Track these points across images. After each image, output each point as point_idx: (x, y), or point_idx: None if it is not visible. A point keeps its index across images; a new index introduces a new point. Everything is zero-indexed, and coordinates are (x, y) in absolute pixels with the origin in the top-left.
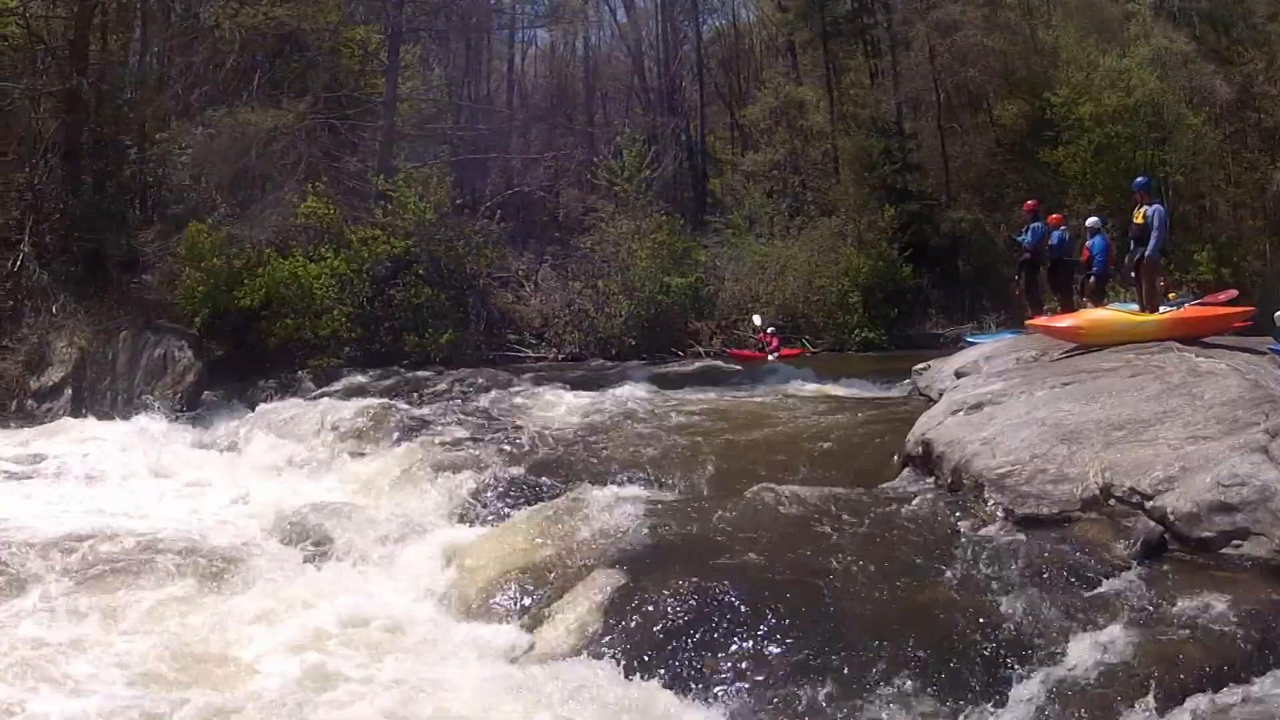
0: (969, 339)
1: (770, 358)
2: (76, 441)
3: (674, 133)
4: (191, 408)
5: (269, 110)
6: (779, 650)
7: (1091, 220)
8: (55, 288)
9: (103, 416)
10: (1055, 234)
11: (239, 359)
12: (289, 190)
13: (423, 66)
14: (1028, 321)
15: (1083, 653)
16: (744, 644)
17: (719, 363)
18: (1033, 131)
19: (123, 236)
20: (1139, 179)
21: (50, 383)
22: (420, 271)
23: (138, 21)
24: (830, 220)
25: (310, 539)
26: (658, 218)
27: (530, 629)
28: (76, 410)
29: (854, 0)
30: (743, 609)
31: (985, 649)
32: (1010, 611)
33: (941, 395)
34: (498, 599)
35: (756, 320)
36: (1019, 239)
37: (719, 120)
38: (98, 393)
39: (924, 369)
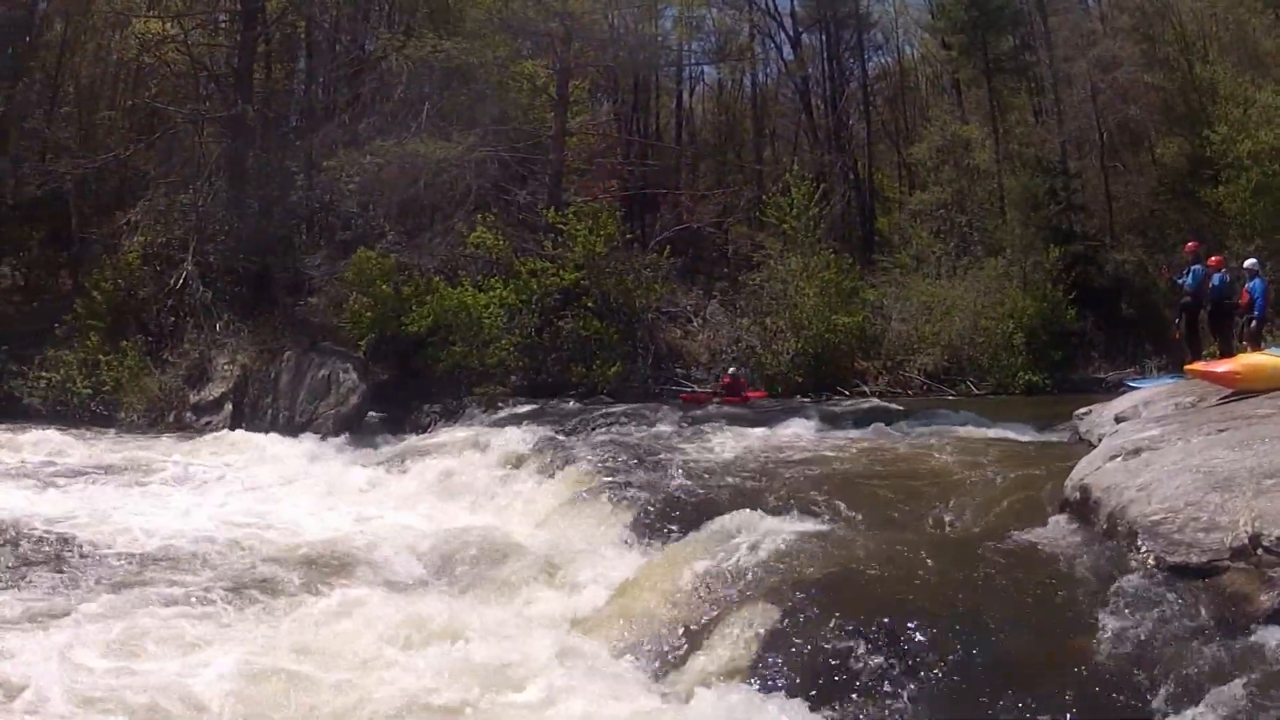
0: (1130, 383)
1: (713, 403)
2: (235, 455)
3: (841, 170)
4: (354, 429)
5: (438, 142)
6: (928, 689)
7: (1249, 262)
8: (219, 306)
9: (263, 433)
10: (1216, 276)
11: (404, 384)
12: (458, 220)
13: (591, 101)
14: (1187, 367)
15: (1224, 704)
16: (893, 682)
17: (884, 403)
18: (1193, 170)
19: (289, 259)
20: None
21: (210, 397)
22: (589, 304)
23: (302, 52)
24: (996, 261)
25: (467, 562)
26: (826, 255)
27: (683, 658)
28: (235, 425)
29: (1016, 37)
30: (894, 647)
31: (1129, 697)
32: (1156, 661)
33: (1101, 440)
34: (652, 628)
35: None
36: (1180, 281)
37: (886, 158)
38: (259, 409)
39: (1085, 413)
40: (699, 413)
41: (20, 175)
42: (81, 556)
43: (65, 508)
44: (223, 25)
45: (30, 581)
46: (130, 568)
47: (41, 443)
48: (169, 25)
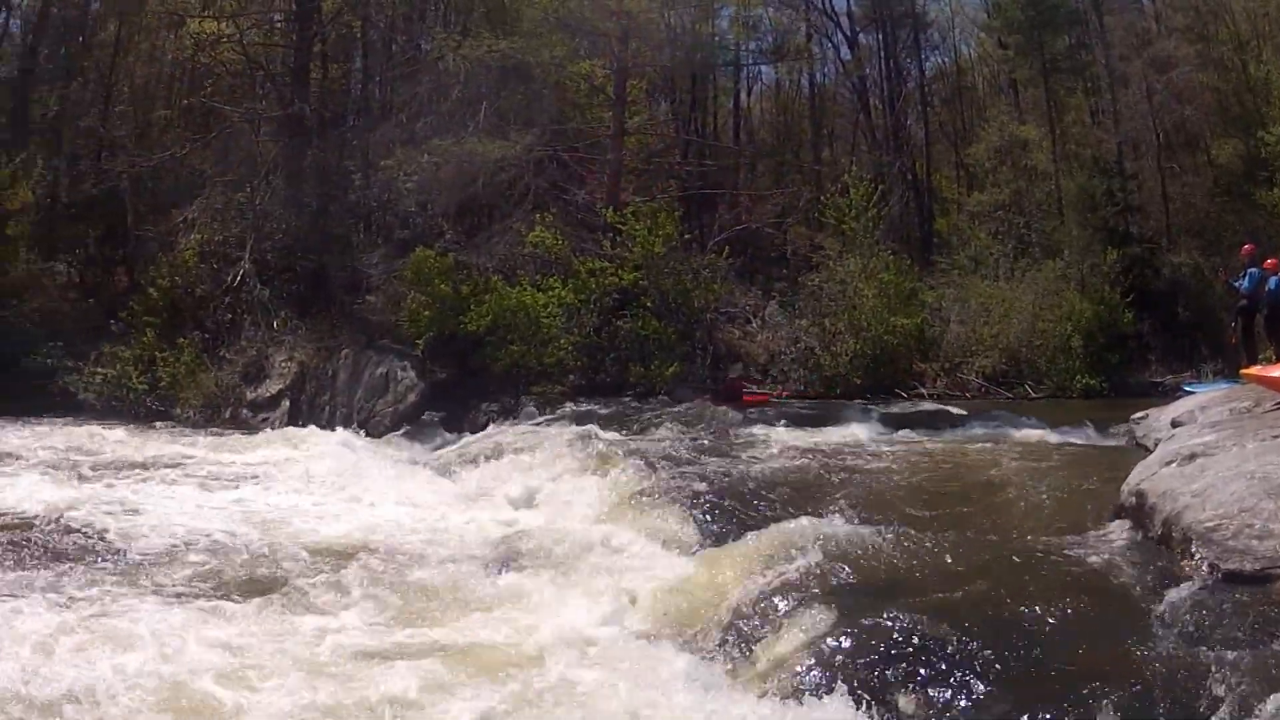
0: (1187, 388)
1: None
2: (293, 450)
3: (900, 171)
4: (411, 427)
5: (496, 141)
6: (982, 692)
7: None
8: (276, 304)
9: (321, 429)
10: (1273, 280)
11: (461, 382)
12: (517, 220)
13: (649, 101)
14: (1242, 371)
15: (1277, 714)
16: (946, 685)
17: (943, 405)
18: (1249, 172)
19: (346, 258)
20: None
21: (267, 394)
22: (648, 304)
23: (359, 51)
24: (1054, 263)
25: (522, 560)
26: (885, 257)
27: (739, 658)
28: (293, 421)
29: (1072, 36)
30: (949, 650)
31: (1181, 704)
32: (1208, 668)
33: (1157, 445)
34: (708, 628)
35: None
36: (1236, 284)
37: (944, 159)
38: (316, 407)
39: (1141, 418)
40: (754, 413)
41: (76, 174)
42: (111, 550)
43: (104, 500)
44: (278, 25)
45: (54, 572)
46: (166, 562)
47: (88, 436)
48: (224, 25)
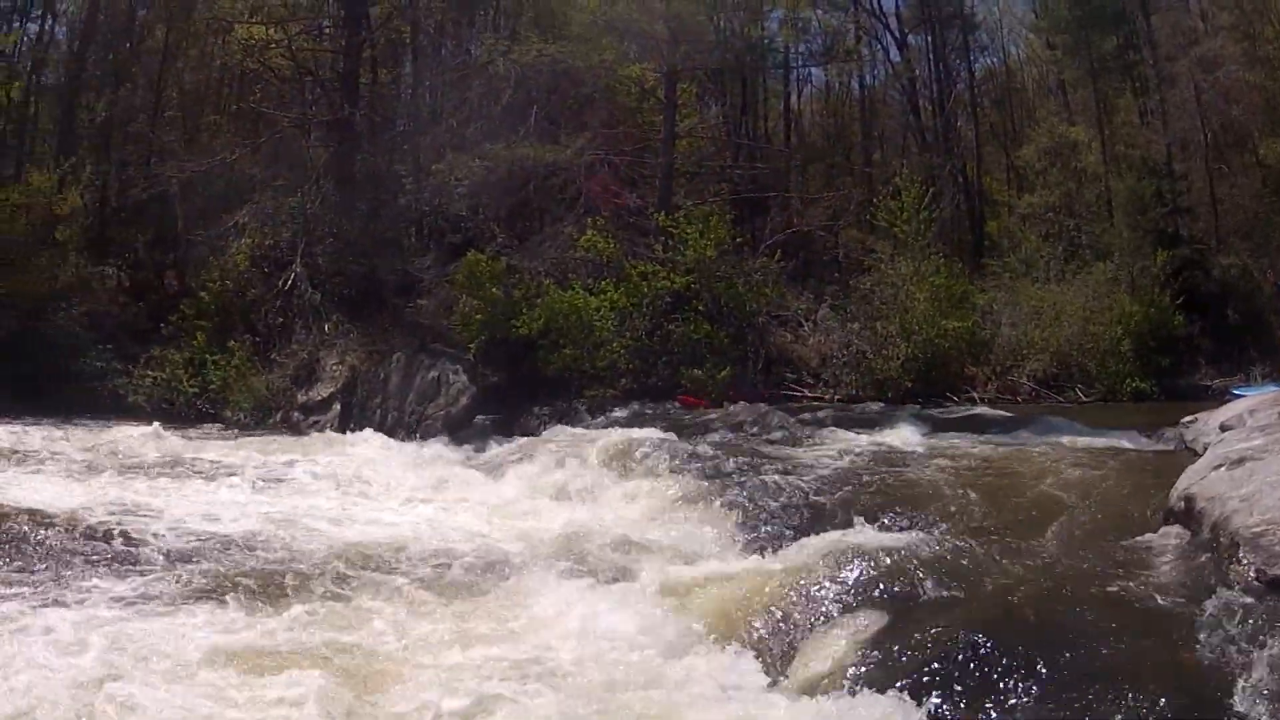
0: (1236, 391)
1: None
2: (345, 453)
3: (950, 173)
4: (463, 430)
5: (547, 145)
6: (1027, 698)
7: None
8: (327, 307)
9: (372, 432)
10: None
11: (513, 386)
12: (568, 224)
13: (700, 104)
14: None
15: None
16: (992, 690)
17: (994, 409)
18: None
19: (398, 262)
20: None
21: (319, 397)
22: (700, 307)
23: (408, 57)
24: (1104, 265)
25: (572, 563)
26: (936, 260)
27: (786, 662)
28: (344, 425)
29: (1120, 35)
30: (994, 655)
31: (1224, 709)
32: (1252, 675)
33: (1206, 449)
34: (753, 633)
35: None
36: None
37: (995, 161)
38: (367, 410)
39: (1190, 421)
40: (807, 417)
41: (125, 179)
42: (139, 547)
43: (152, 501)
44: (327, 30)
45: (104, 575)
46: (215, 565)
47: (137, 438)
48: (272, 31)
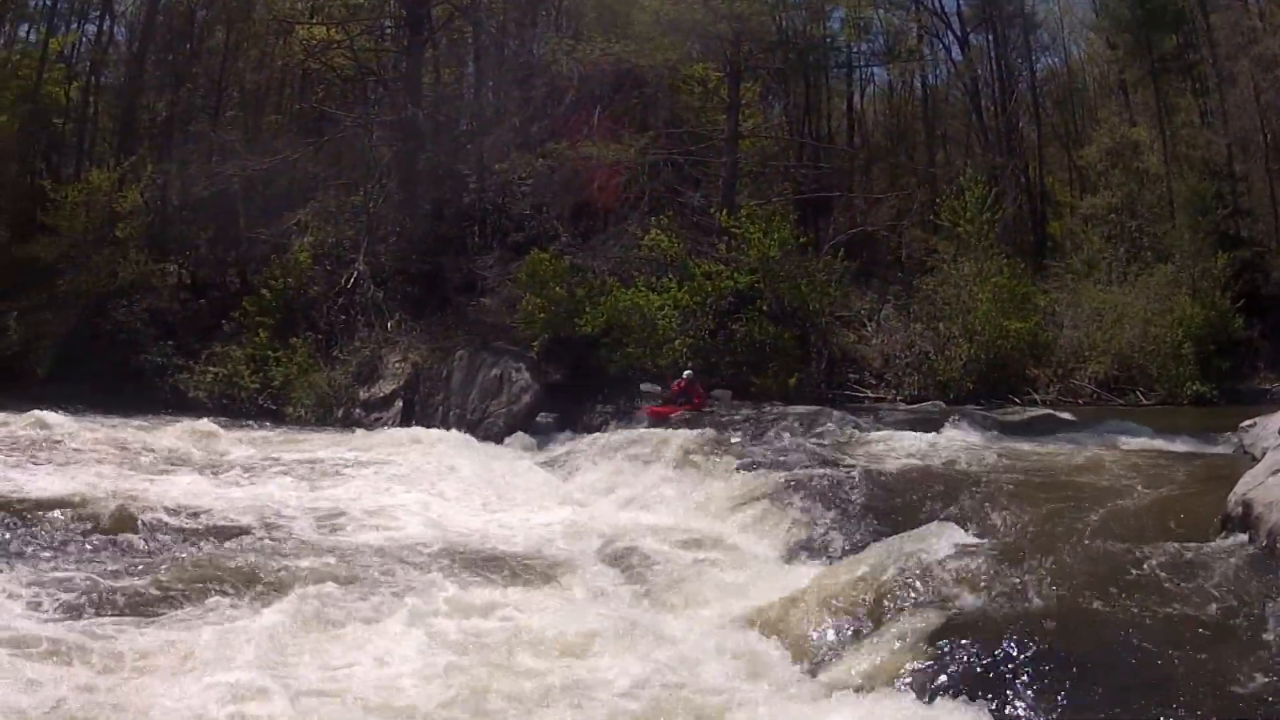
0: None
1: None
2: (407, 450)
3: (1013, 173)
4: (526, 427)
5: (610, 144)
6: (1083, 702)
7: None
8: (390, 305)
9: (434, 430)
10: None
11: (576, 384)
12: (632, 223)
13: (763, 104)
14: None
15: None
16: (1049, 694)
17: (1055, 411)
18: None
19: (461, 261)
20: None
21: (380, 394)
22: (763, 307)
23: (470, 56)
24: (1165, 267)
25: (634, 562)
26: (999, 260)
27: (846, 662)
28: (406, 422)
29: (1180, 35)
30: (1051, 659)
31: None
32: None
33: (1264, 454)
34: (818, 631)
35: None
36: None
37: (1057, 161)
38: (429, 407)
39: (1250, 425)
40: (869, 418)
41: (187, 177)
42: (228, 544)
43: (216, 495)
44: (389, 31)
45: (167, 569)
46: (287, 558)
47: (198, 433)
48: (333, 31)
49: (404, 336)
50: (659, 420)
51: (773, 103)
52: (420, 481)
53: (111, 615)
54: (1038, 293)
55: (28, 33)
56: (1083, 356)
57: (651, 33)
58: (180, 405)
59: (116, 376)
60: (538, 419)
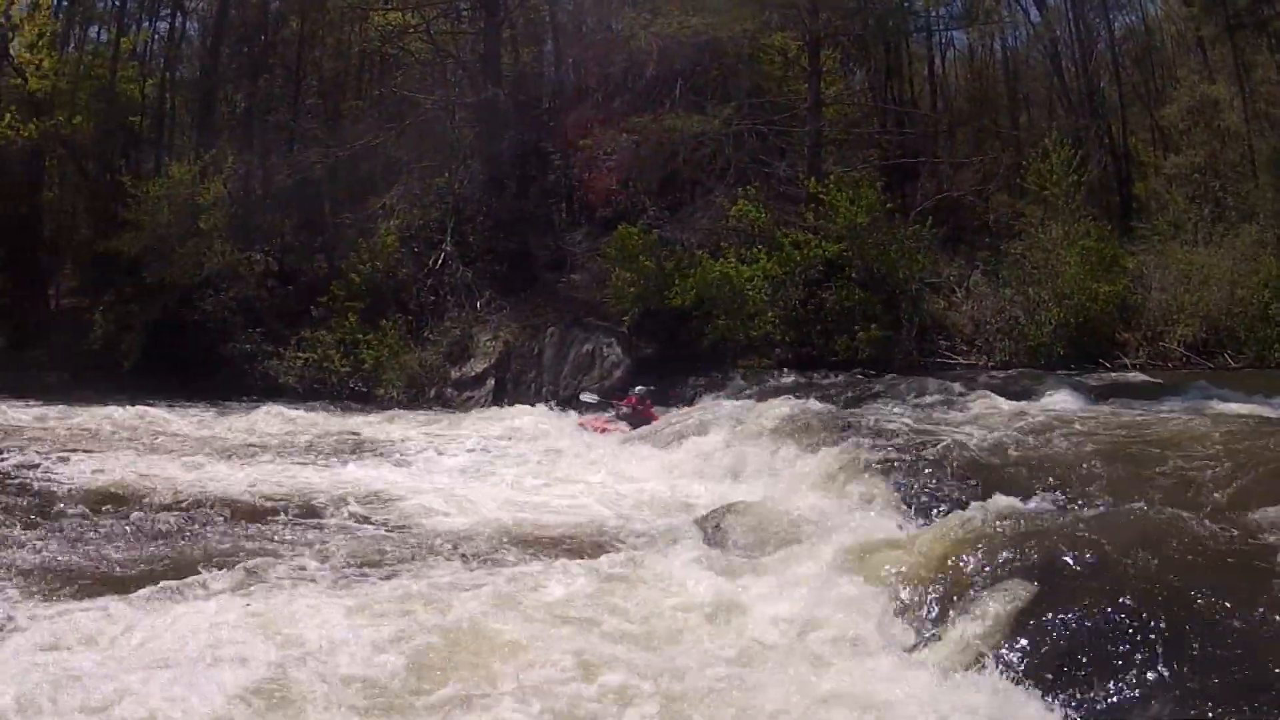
0: None
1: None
2: (502, 428)
3: (1096, 135)
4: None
5: (693, 116)
6: (1169, 680)
7: None
8: (479, 285)
9: (527, 407)
10: None
11: (668, 357)
12: (718, 194)
13: (844, 71)
14: None
15: None
16: (1135, 669)
17: (1144, 375)
18: None
19: (549, 238)
20: None
21: (472, 373)
22: (852, 275)
23: (548, 34)
24: (1250, 227)
25: (730, 535)
26: (1086, 223)
27: (936, 636)
28: (498, 400)
29: None
30: (1138, 633)
31: None
32: None
33: None
34: (909, 603)
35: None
36: None
37: (1139, 121)
38: (521, 385)
39: None
40: (961, 385)
41: (269, 166)
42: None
43: (328, 479)
44: (465, 13)
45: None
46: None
47: (293, 419)
48: (409, 16)
49: (494, 315)
50: (599, 431)
51: (854, 69)
52: (522, 459)
53: None
54: (1125, 255)
55: (98, 33)
56: (1171, 319)
57: (729, 4)
58: (271, 391)
59: (205, 365)
60: None
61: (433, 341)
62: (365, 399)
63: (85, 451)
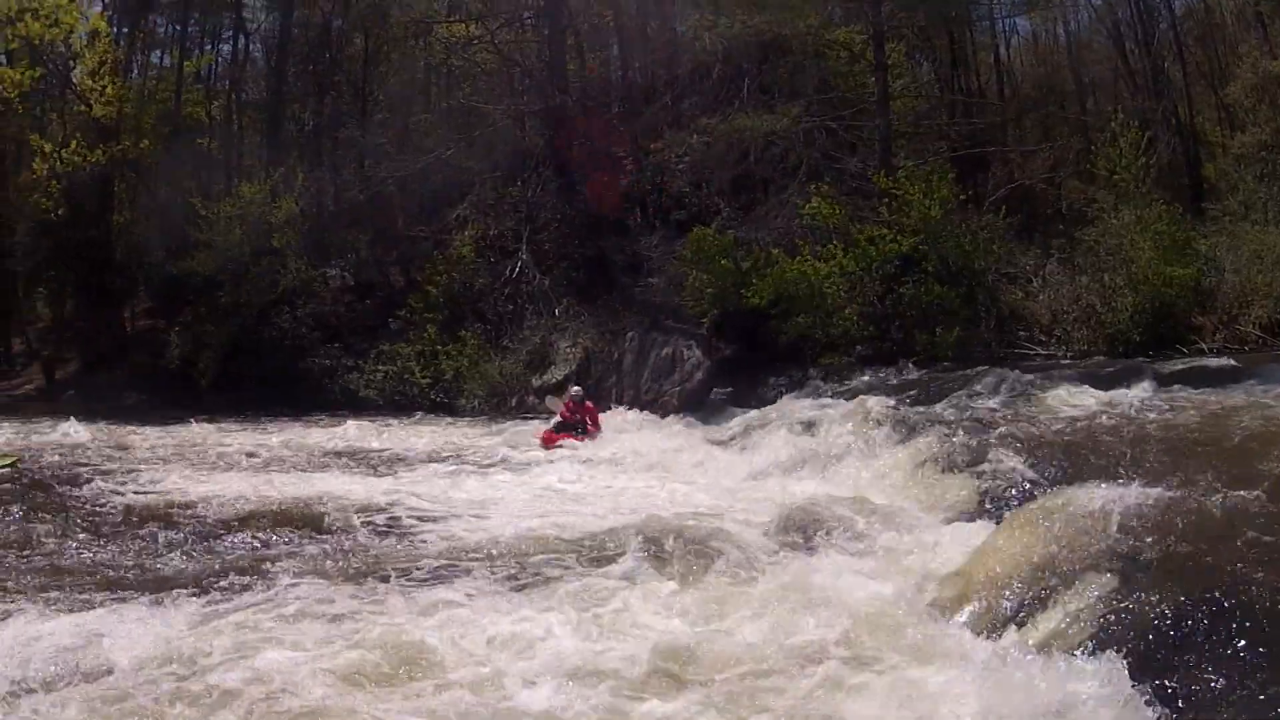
0: None
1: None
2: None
3: (1163, 116)
4: (700, 405)
5: (763, 115)
6: (1254, 672)
7: None
8: (556, 291)
9: (609, 412)
10: None
11: (747, 357)
12: (791, 192)
13: (910, 63)
14: None
15: None
16: (1220, 661)
17: (1221, 359)
18: None
19: (624, 243)
20: None
21: (553, 380)
22: (929, 269)
23: (613, 39)
24: None
25: (811, 532)
26: (1159, 207)
27: (1020, 625)
28: None
29: None
30: (1223, 624)
31: None
32: None
33: None
34: (992, 594)
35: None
36: None
37: (1205, 101)
38: (602, 390)
39: None
40: (1040, 376)
41: (340, 182)
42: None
43: (415, 492)
44: (529, 22)
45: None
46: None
47: (379, 430)
48: (472, 27)
49: (573, 322)
50: (548, 446)
51: (920, 61)
52: (606, 465)
53: None
54: (1197, 238)
55: (160, 58)
56: (1246, 301)
57: (791, 1)
58: (352, 405)
59: (283, 381)
60: (711, 395)
61: (512, 350)
62: (447, 409)
63: (246, 470)
